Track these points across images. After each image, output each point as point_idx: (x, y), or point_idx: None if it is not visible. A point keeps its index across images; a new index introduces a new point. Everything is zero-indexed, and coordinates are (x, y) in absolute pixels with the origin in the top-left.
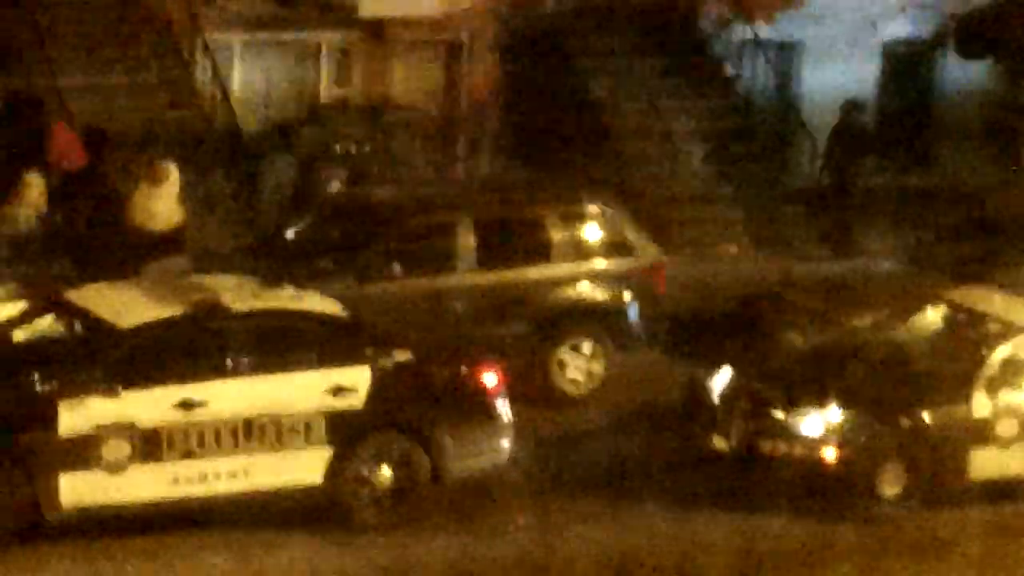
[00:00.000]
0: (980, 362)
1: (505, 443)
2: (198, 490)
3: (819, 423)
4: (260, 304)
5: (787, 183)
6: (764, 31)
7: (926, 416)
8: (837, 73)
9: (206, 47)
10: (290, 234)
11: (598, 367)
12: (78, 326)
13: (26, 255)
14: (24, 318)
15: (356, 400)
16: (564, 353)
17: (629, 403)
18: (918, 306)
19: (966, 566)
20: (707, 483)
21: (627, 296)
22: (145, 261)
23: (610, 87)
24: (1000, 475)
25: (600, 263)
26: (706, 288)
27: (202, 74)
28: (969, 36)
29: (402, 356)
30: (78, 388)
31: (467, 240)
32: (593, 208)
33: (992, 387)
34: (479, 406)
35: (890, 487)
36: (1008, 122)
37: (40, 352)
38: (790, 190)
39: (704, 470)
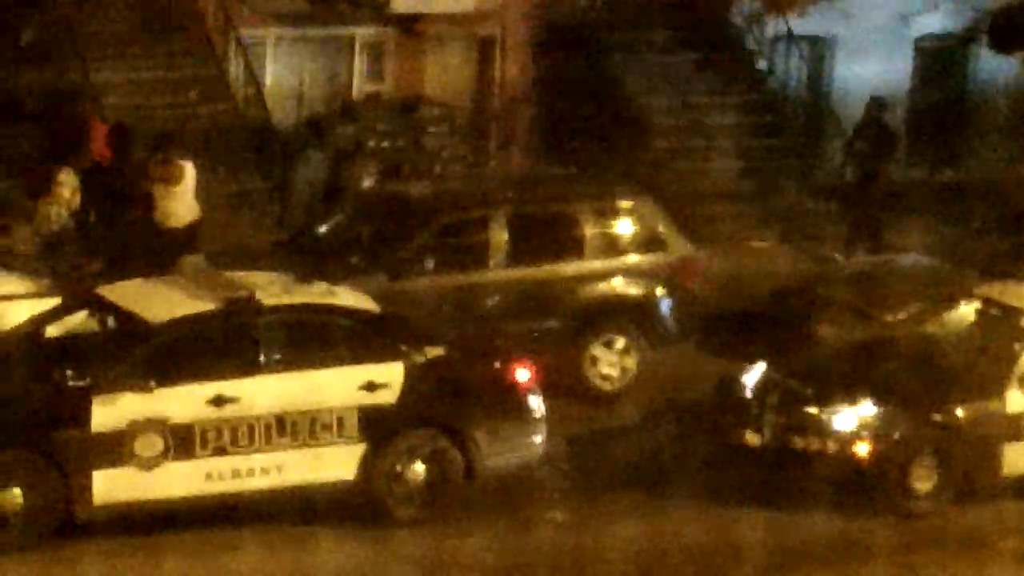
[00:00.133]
0: (1013, 358)
1: (538, 439)
2: (231, 486)
3: (852, 419)
4: (293, 300)
5: (818, 178)
6: (796, 26)
7: (959, 412)
8: (869, 68)
9: (239, 43)
10: (323, 230)
11: (631, 362)
12: (111, 322)
13: (59, 251)
14: (58, 314)
15: (389, 396)
16: (597, 349)
17: (662, 398)
18: (951, 301)
19: (1001, 562)
20: (740, 479)
21: (660, 291)
22: (161, 258)
23: (642, 82)
24: None
25: (633, 258)
26: (738, 283)
27: (235, 70)
28: (1002, 30)
29: (435, 352)
30: (111, 384)
31: (500, 236)
32: (626, 203)
33: None
34: (512, 402)
35: (922, 483)
36: None
37: (73, 348)
38: (821, 185)
39: (737, 466)
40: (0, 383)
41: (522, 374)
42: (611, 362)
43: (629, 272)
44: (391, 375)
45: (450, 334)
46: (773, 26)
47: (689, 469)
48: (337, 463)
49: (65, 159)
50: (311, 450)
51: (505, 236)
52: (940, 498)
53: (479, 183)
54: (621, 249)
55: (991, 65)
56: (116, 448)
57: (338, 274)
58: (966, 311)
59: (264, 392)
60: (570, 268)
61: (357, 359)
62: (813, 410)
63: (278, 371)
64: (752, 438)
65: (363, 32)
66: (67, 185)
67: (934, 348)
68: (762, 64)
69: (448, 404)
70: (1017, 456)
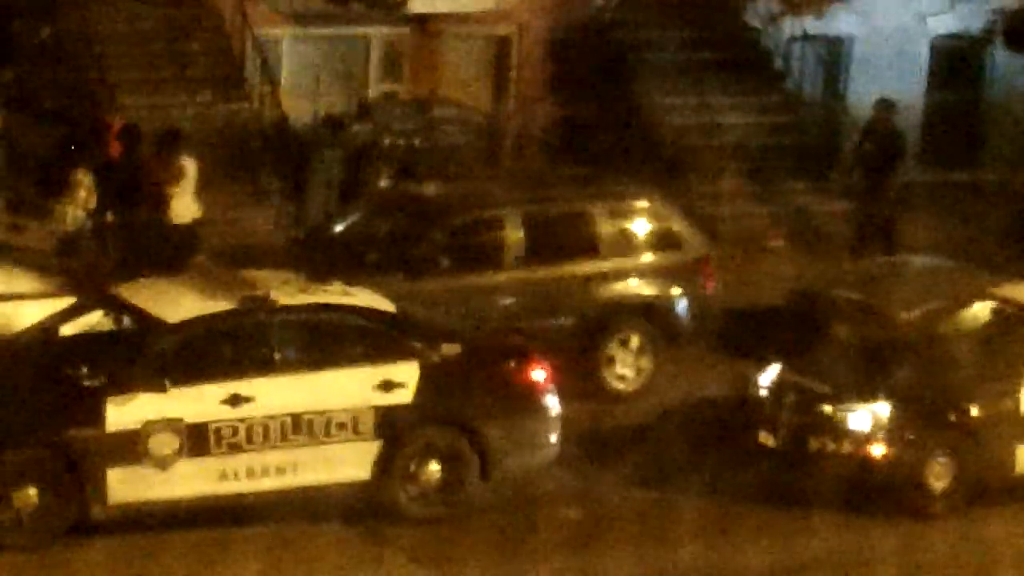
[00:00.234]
0: None
1: (554, 438)
2: (246, 486)
3: (867, 419)
4: (308, 299)
5: (833, 179)
6: (813, 26)
7: (974, 412)
8: (885, 69)
9: (255, 42)
10: (338, 229)
11: (646, 362)
12: (126, 321)
13: (75, 251)
14: (73, 313)
15: (405, 395)
16: (613, 348)
17: (677, 398)
18: (966, 302)
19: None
20: (754, 479)
21: (675, 291)
22: (165, 256)
23: (658, 82)
24: None
25: (649, 257)
26: (754, 283)
27: (251, 69)
28: (1018, 31)
29: (451, 351)
30: (126, 383)
31: (515, 235)
32: (642, 203)
33: None
34: (528, 401)
35: (937, 483)
36: None
37: (88, 347)
38: (835, 186)
39: (752, 466)
40: (15, 382)
41: (538, 374)
42: (627, 362)
43: (644, 272)
44: (407, 374)
45: (466, 334)
46: (790, 27)
47: (703, 469)
48: (352, 462)
49: (81, 158)
50: (326, 449)
51: (521, 235)
52: (954, 498)
53: (495, 182)
54: (636, 248)
55: (1007, 66)
56: (130, 447)
57: (354, 273)
58: (981, 311)
59: (279, 392)
60: (585, 268)
61: (372, 358)
62: (828, 410)
63: (293, 371)
64: (767, 438)
65: (379, 31)
66: (83, 185)
67: (949, 348)
68: (778, 64)
69: (464, 404)
70: None
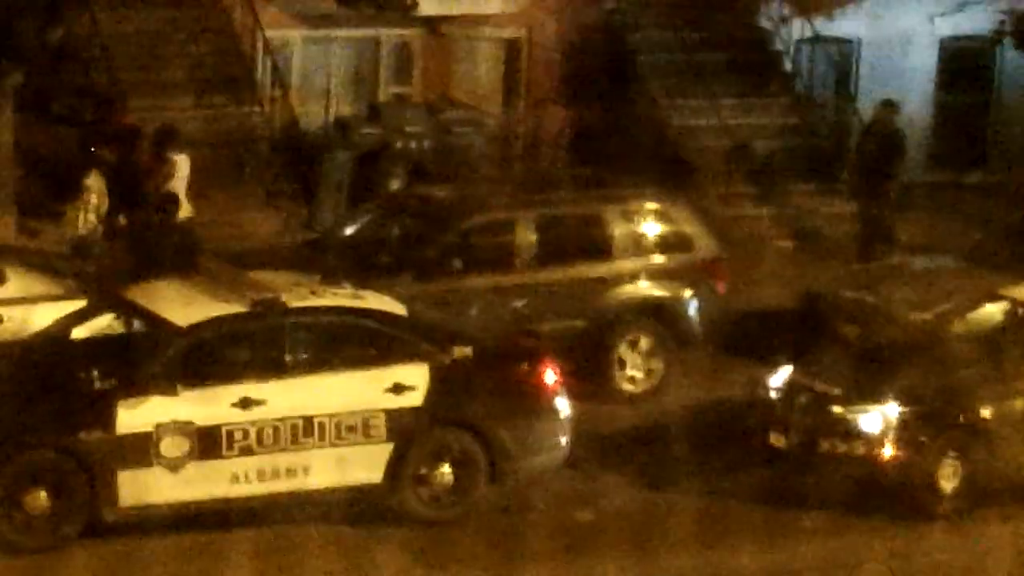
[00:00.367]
0: None
1: (564, 440)
2: (257, 488)
3: (878, 420)
4: (319, 302)
5: (843, 179)
6: (823, 27)
7: (984, 412)
8: (895, 69)
9: (266, 44)
10: (350, 231)
11: (657, 364)
12: (137, 324)
13: (87, 255)
14: (84, 316)
15: (415, 398)
16: (623, 350)
17: (688, 400)
18: (977, 302)
19: None
20: (765, 481)
21: (686, 293)
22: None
23: (669, 83)
24: None
25: (660, 259)
26: (764, 285)
27: (262, 72)
28: None
29: (461, 354)
30: (137, 386)
31: (527, 237)
32: (653, 204)
33: None
34: (538, 403)
35: (948, 484)
36: None
37: (99, 350)
38: (846, 187)
39: (762, 468)
40: (26, 384)
41: (548, 376)
42: (637, 363)
43: (655, 274)
44: (417, 377)
45: (476, 336)
46: (799, 28)
47: (713, 471)
48: (363, 465)
49: (94, 162)
50: (337, 452)
51: (531, 237)
52: (965, 500)
53: (505, 185)
54: (647, 250)
55: (1016, 66)
56: (141, 450)
57: (364, 276)
58: (991, 312)
59: (290, 394)
60: (596, 270)
61: (383, 361)
62: (839, 412)
63: (304, 373)
64: (778, 440)
65: (390, 34)
66: (95, 189)
67: (959, 349)
68: (788, 66)
69: (474, 406)
70: None
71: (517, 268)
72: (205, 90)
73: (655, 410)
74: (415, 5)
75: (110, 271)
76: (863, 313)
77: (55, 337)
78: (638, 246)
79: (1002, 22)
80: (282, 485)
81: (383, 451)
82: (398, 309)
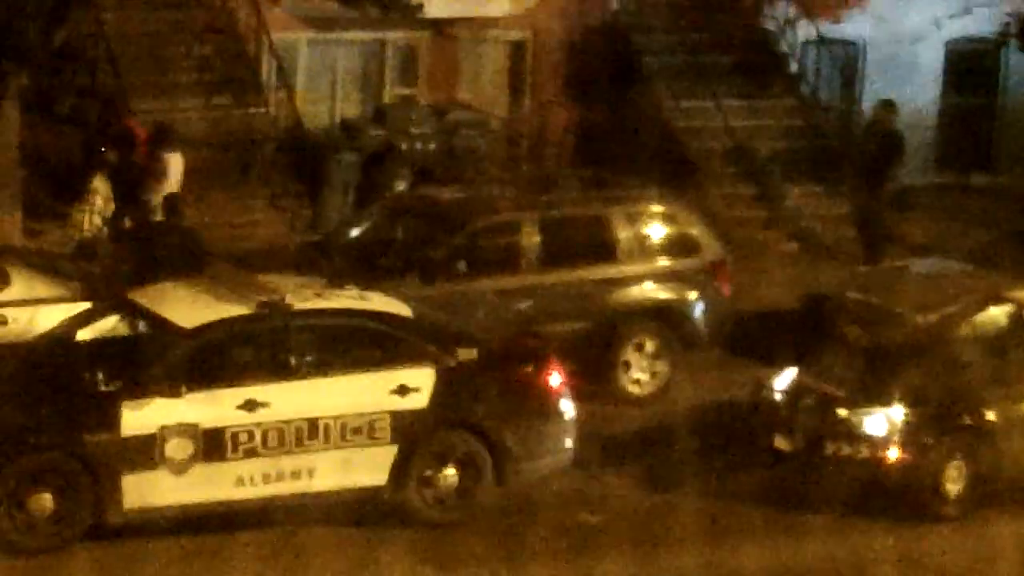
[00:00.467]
0: None
1: (569, 443)
2: (262, 491)
3: (883, 422)
4: (324, 304)
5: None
6: (828, 29)
7: (989, 415)
8: (901, 71)
9: (272, 46)
10: (355, 233)
11: (662, 366)
12: (142, 326)
13: (93, 257)
14: (89, 318)
15: (420, 400)
16: (628, 352)
17: (693, 402)
18: (982, 304)
19: None
20: (770, 483)
21: (692, 295)
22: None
23: (674, 85)
24: None
25: (665, 261)
26: (768, 286)
27: (268, 73)
28: None
29: (467, 356)
30: (141, 388)
31: (532, 239)
32: (658, 207)
33: None
34: (543, 406)
35: (953, 486)
36: None
37: (104, 352)
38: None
39: (767, 470)
40: (31, 387)
41: (554, 378)
42: (642, 366)
43: (660, 276)
44: (422, 379)
45: (482, 338)
46: (805, 30)
47: (718, 473)
48: (368, 467)
49: (99, 163)
50: (342, 454)
51: (537, 239)
52: (970, 502)
53: (511, 186)
54: (652, 253)
55: (1022, 68)
56: (146, 452)
57: (370, 277)
58: (997, 314)
59: (295, 396)
60: (601, 272)
61: (388, 363)
62: (844, 414)
63: (309, 375)
64: (783, 442)
65: (395, 36)
66: (100, 191)
67: (964, 351)
68: (793, 68)
69: (479, 408)
70: None
71: (522, 270)
72: (210, 92)
73: (660, 412)
74: (420, 7)
75: (115, 273)
76: (868, 315)
77: (60, 339)
78: (643, 248)
79: (1007, 24)
80: (287, 487)
81: (388, 453)
82: (403, 311)
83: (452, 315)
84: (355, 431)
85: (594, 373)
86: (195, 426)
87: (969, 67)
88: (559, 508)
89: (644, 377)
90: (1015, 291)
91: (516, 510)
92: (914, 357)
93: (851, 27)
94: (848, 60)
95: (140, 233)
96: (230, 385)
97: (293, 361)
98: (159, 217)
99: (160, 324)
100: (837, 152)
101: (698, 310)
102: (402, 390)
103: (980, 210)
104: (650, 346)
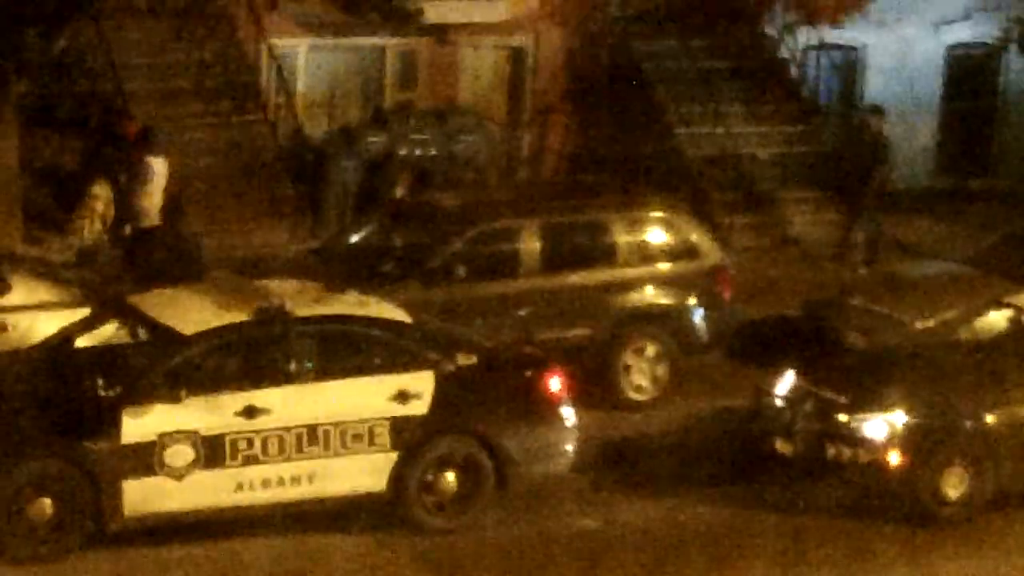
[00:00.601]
0: None
1: (569, 448)
2: (262, 497)
3: (883, 427)
4: (324, 310)
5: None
6: (829, 35)
7: (990, 419)
8: (901, 77)
9: (271, 52)
10: (355, 238)
11: (662, 371)
12: (142, 332)
13: (93, 263)
14: (88, 324)
15: (420, 405)
16: (629, 357)
17: (693, 407)
18: (982, 308)
19: None
20: (771, 487)
21: (692, 300)
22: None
23: (674, 91)
24: None
25: (665, 267)
26: (769, 292)
27: (267, 79)
28: None
29: (467, 361)
30: (141, 395)
31: (532, 244)
32: (658, 212)
33: None
34: (543, 411)
35: (954, 490)
36: None
37: (104, 359)
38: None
39: (768, 474)
40: (31, 393)
41: (554, 383)
42: (643, 371)
43: (661, 281)
44: (422, 385)
45: (482, 343)
46: (805, 35)
47: (719, 477)
48: (368, 473)
49: (100, 170)
50: (342, 460)
51: (537, 245)
52: (971, 506)
53: (511, 192)
54: (653, 258)
55: (1022, 73)
56: (146, 459)
57: (370, 282)
58: (997, 318)
59: (294, 403)
60: (602, 277)
61: (388, 369)
62: (844, 418)
63: (309, 381)
64: (784, 446)
65: (395, 41)
66: (101, 197)
67: (965, 356)
68: (794, 73)
69: (479, 413)
70: None
71: (522, 275)
72: (210, 98)
73: (661, 417)
74: (420, 13)
75: (115, 279)
76: (868, 320)
77: (60, 346)
78: (643, 253)
79: (1007, 29)
80: (287, 494)
81: (388, 459)
82: (403, 317)
83: (452, 321)
84: (355, 437)
85: (595, 378)
86: (195, 433)
87: (969, 72)
88: (560, 514)
89: (645, 382)
90: (1015, 296)
91: (516, 516)
92: (914, 362)
93: (851, 32)
94: (848, 65)
95: (136, 238)
96: (230, 391)
97: (293, 367)
98: (149, 222)
99: (160, 330)
100: (837, 157)
101: (698, 315)
102: (402, 396)
103: (980, 215)
104: (651, 351)
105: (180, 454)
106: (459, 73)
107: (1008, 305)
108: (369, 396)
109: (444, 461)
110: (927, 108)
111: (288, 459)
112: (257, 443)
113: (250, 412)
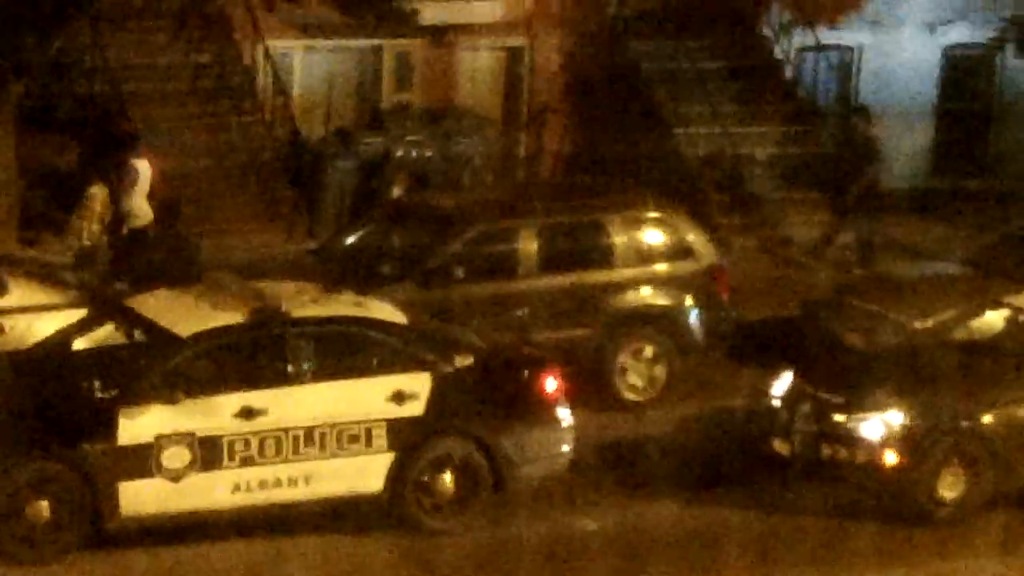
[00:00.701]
0: None
1: (567, 448)
2: (259, 498)
3: (880, 427)
4: (321, 311)
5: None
6: (825, 35)
7: (988, 419)
8: (897, 77)
9: (268, 54)
10: (352, 239)
11: (660, 372)
12: (139, 334)
13: (91, 265)
14: (85, 326)
15: (417, 406)
16: (626, 358)
17: (691, 407)
18: (980, 309)
19: None
20: (768, 487)
21: (689, 300)
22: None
23: (671, 91)
24: None
25: (662, 267)
26: (767, 292)
27: (264, 81)
28: None
29: (463, 362)
30: (138, 396)
31: (530, 245)
32: (655, 212)
33: None
34: (541, 412)
35: (951, 491)
36: None
37: (101, 360)
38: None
39: (765, 474)
40: (27, 395)
41: (551, 384)
42: (640, 371)
43: (658, 281)
44: (419, 386)
45: (479, 344)
46: (801, 36)
47: (716, 478)
48: (365, 475)
49: (96, 171)
50: (339, 461)
51: (535, 245)
52: (968, 506)
53: (508, 192)
54: (651, 258)
55: (1019, 74)
56: (143, 460)
57: (367, 283)
58: (995, 319)
59: (292, 404)
60: (600, 277)
61: (385, 370)
62: (841, 419)
63: (306, 383)
64: (781, 447)
65: (391, 42)
66: (99, 199)
67: (962, 356)
68: (790, 74)
69: (477, 414)
70: None
71: (520, 276)
72: (207, 99)
73: (658, 418)
74: (416, 14)
75: (112, 281)
76: (866, 320)
77: (56, 347)
78: (640, 254)
79: (1003, 30)
80: (284, 495)
81: (385, 460)
82: (400, 318)
83: (449, 321)
84: (352, 438)
85: (592, 379)
86: (192, 434)
87: (965, 73)
88: (557, 514)
89: (642, 383)
90: (1012, 296)
91: (513, 516)
92: (911, 362)
93: (847, 33)
94: (844, 66)
95: (129, 239)
96: (226, 393)
97: (290, 369)
98: (138, 223)
99: (156, 332)
100: (833, 158)
101: (695, 316)
102: (399, 397)
103: (976, 215)
104: (648, 352)
105: (177, 455)
106: (456, 74)
107: (1006, 305)
108: (366, 397)
109: (441, 462)
110: (923, 109)
111: (285, 460)
112: (254, 444)
113: (247, 413)
